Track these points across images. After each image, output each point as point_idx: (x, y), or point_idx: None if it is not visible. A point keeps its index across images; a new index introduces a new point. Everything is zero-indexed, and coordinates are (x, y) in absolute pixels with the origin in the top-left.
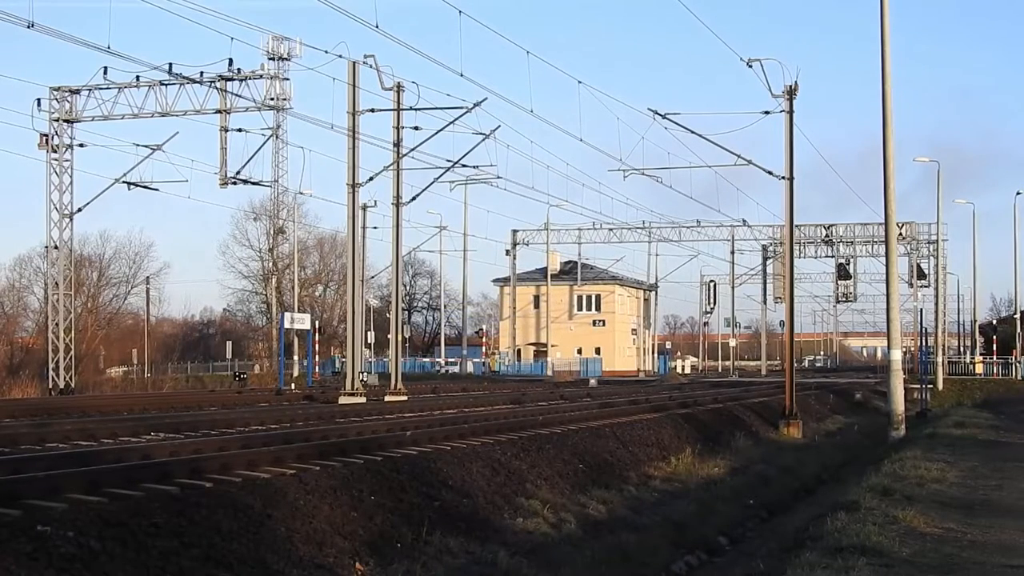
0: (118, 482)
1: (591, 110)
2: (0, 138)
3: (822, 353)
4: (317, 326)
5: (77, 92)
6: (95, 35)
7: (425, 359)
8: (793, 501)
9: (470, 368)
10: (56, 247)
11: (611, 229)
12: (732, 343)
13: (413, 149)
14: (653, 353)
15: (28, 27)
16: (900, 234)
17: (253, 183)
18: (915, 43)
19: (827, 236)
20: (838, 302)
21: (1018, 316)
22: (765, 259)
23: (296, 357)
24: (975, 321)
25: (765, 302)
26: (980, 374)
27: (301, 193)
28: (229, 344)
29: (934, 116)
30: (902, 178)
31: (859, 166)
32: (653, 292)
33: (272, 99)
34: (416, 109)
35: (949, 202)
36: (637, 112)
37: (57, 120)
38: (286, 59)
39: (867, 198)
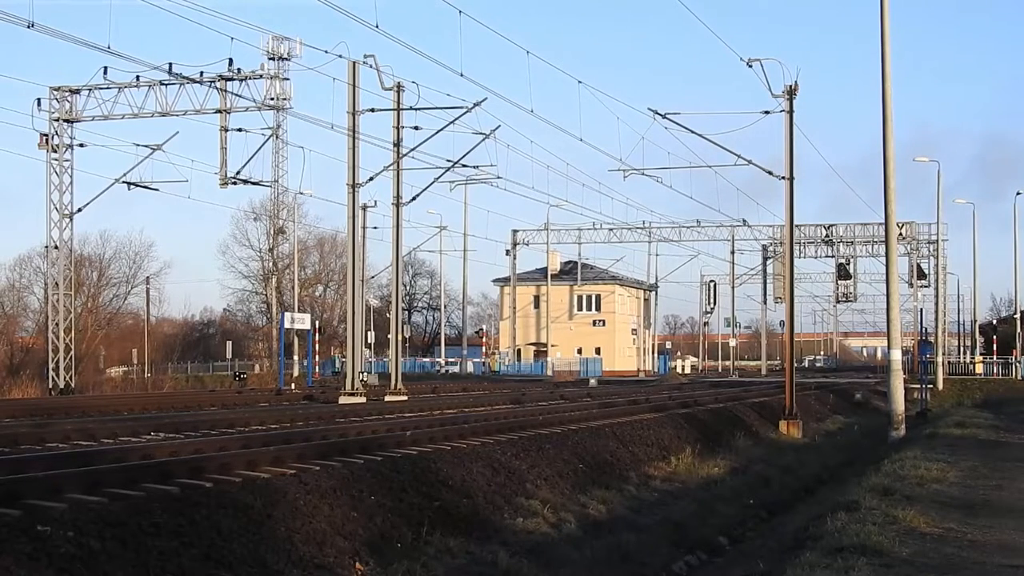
0: (118, 482)
1: (591, 110)
2: (0, 138)
3: (822, 353)
4: (317, 326)
5: (77, 92)
6: (95, 35)
7: (425, 359)
8: (793, 501)
9: (470, 368)
10: (56, 247)
11: (611, 229)
12: (732, 343)
13: (413, 149)
14: (653, 353)
15: (28, 27)
16: (900, 234)
17: (253, 183)
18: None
19: (827, 236)
20: (838, 302)
21: (1018, 316)
22: (765, 259)
23: (296, 357)
24: (975, 321)
25: (765, 302)
26: (980, 374)
27: (301, 193)
28: (229, 344)
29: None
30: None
31: (861, 166)
32: (653, 292)
33: (272, 99)
34: (416, 109)
35: (949, 202)
36: (637, 112)
37: (57, 120)
38: (286, 59)
39: (869, 198)
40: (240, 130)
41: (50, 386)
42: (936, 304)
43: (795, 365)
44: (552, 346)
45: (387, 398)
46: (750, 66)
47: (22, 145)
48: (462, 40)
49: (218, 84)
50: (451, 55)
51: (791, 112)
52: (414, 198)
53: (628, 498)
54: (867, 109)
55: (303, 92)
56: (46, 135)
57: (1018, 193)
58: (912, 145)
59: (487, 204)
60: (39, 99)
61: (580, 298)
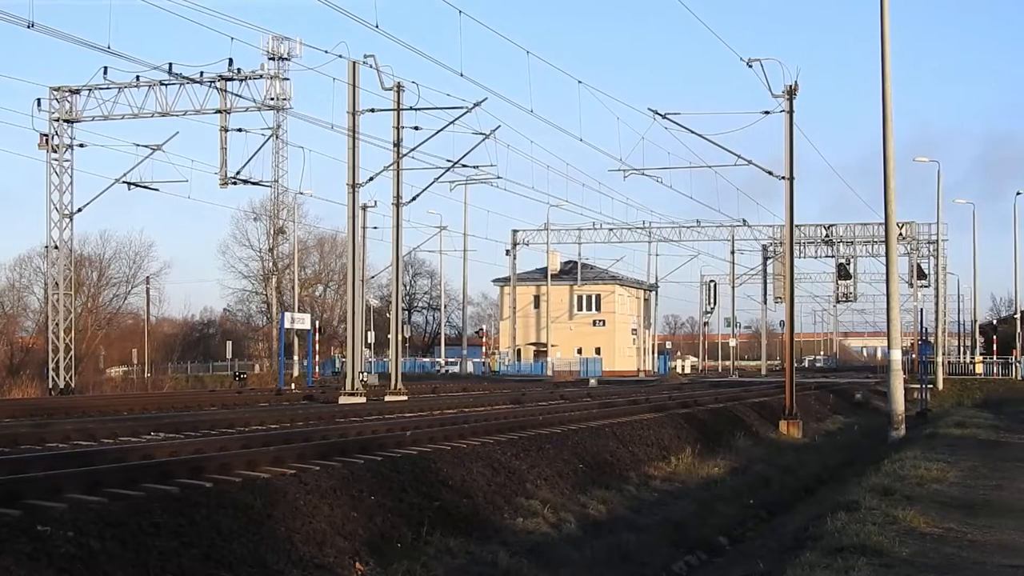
0: (118, 482)
1: (591, 110)
2: (0, 138)
3: (822, 353)
4: (317, 326)
5: (77, 92)
6: (95, 35)
7: (425, 359)
8: (793, 501)
9: (470, 368)
10: (56, 247)
11: (611, 229)
12: (732, 343)
13: (413, 149)
14: (653, 353)
15: (28, 27)
16: (900, 234)
17: (253, 183)
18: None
19: (827, 236)
20: (838, 302)
21: (1018, 316)
22: (765, 259)
23: (296, 357)
24: (975, 321)
25: (765, 302)
26: (980, 374)
27: (301, 193)
28: (229, 344)
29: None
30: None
31: (861, 166)
32: (653, 292)
33: (272, 99)
34: (416, 109)
35: (950, 202)
36: (637, 112)
37: (57, 120)
38: (286, 59)
39: (869, 198)
40: (240, 130)
41: (50, 386)
42: (936, 304)
43: (795, 365)
44: (552, 346)
45: (387, 398)
46: (750, 66)
47: (22, 145)
48: (462, 40)
49: (218, 84)
50: (451, 55)
51: (791, 112)
52: (414, 198)
53: (628, 498)
54: (867, 109)
55: (303, 92)
56: (46, 135)
57: (1018, 193)
58: (912, 145)
59: (487, 204)
60: (39, 99)
61: (580, 298)
